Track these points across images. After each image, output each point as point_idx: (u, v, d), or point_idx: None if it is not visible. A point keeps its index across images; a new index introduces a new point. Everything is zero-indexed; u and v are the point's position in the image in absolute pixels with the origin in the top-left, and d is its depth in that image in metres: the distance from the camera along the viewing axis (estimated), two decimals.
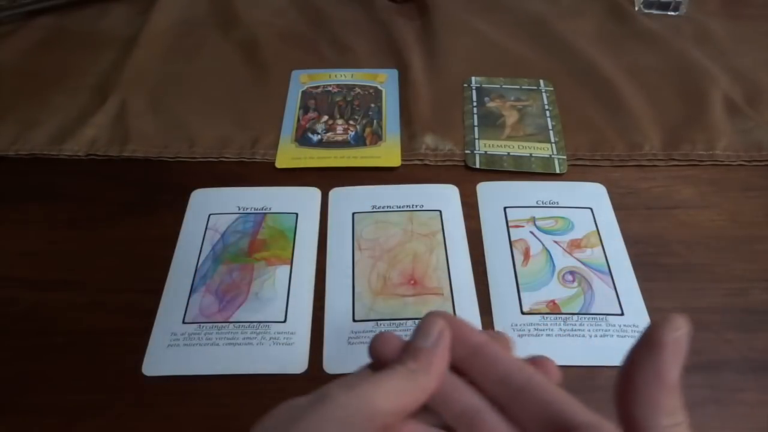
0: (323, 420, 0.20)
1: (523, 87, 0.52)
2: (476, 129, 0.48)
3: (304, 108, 0.51)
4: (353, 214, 0.42)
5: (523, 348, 0.35)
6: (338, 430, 0.20)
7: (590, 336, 0.36)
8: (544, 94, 0.51)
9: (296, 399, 0.22)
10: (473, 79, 0.53)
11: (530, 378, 0.22)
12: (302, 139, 0.48)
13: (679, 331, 0.20)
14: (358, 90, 0.52)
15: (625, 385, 0.21)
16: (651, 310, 0.37)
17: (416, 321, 0.36)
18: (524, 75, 0.53)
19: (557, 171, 0.45)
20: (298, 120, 0.49)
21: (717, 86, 0.51)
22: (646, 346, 0.20)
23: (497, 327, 0.36)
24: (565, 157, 0.46)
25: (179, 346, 0.35)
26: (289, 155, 0.46)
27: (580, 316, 0.37)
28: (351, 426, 0.20)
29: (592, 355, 0.35)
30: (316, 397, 0.21)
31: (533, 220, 0.42)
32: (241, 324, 0.36)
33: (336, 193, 0.44)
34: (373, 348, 0.24)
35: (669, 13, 0.60)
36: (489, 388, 0.23)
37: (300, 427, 0.20)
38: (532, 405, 0.21)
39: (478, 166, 0.45)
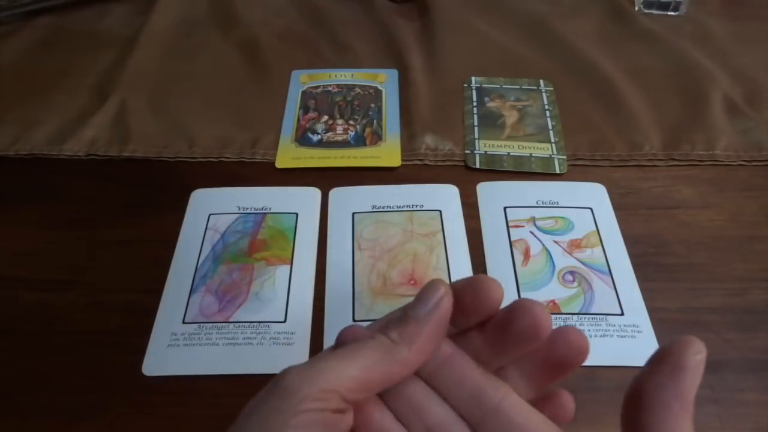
0: (269, 418, 0.19)
1: (523, 87, 0.52)
2: (476, 129, 0.48)
3: (304, 108, 0.51)
4: (353, 214, 0.42)
5: None
6: (286, 420, 0.19)
7: (590, 336, 0.36)
8: (544, 94, 0.51)
9: (258, 394, 0.21)
10: (473, 79, 0.53)
11: (503, 399, 0.21)
12: (302, 139, 0.48)
13: (700, 355, 0.20)
14: (358, 90, 0.52)
15: (641, 406, 0.20)
16: (651, 310, 0.37)
17: None
18: (524, 75, 0.53)
19: (557, 171, 0.45)
20: (298, 120, 0.49)
21: (717, 86, 0.51)
22: (669, 368, 0.20)
23: None
24: (565, 157, 0.46)
25: (179, 346, 0.35)
26: (289, 155, 0.46)
27: (580, 316, 0.37)
28: (302, 414, 0.19)
29: (592, 355, 0.34)
30: (267, 389, 0.20)
31: (533, 220, 0.42)
32: (241, 324, 0.36)
33: (336, 193, 0.44)
34: (341, 337, 0.23)
35: (669, 13, 0.60)
36: (459, 404, 0.21)
37: (250, 424, 0.20)
38: (504, 430, 0.20)
39: (478, 166, 0.45)
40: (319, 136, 0.48)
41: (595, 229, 0.41)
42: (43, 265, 0.40)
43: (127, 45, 0.56)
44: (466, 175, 0.45)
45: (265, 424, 0.19)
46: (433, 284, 0.22)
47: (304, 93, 0.52)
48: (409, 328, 0.21)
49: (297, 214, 0.42)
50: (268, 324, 0.36)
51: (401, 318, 0.21)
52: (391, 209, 0.43)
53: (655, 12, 0.60)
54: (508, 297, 0.38)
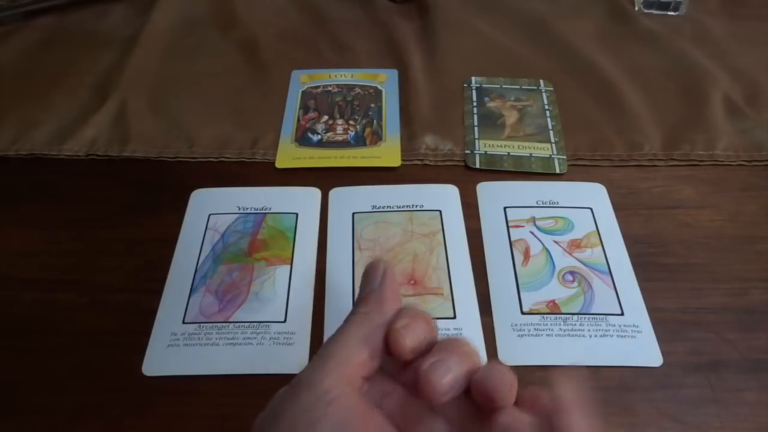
0: (304, 409, 0.21)
1: (523, 87, 0.52)
2: (476, 129, 0.48)
3: (304, 108, 0.51)
4: (353, 214, 0.42)
5: (523, 348, 0.35)
6: (323, 409, 0.21)
7: (590, 336, 0.36)
8: (544, 94, 0.51)
9: (279, 392, 0.23)
10: (473, 79, 0.53)
11: None
12: (302, 139, 0.48)
13: (571, 389, 0.21)
14: (358, 90, 0.52)
15: None
16: (651, 310, 0.37)
17: None
18: (524, 75, 0.53)
19: (557, 171, 0.45)
20: (298, 120, 0.49)
21: (717, 86, 0.51)
22: (558, 414, 0.20)
23: (497, 327, 0.36)
24: (565, 157, 0.46)
25: (179, 346, 0.35)
26: (289, 155, 0.46)
27: (580, 316, 0.37)
28: (336, 400, 0.21)
29: (592, 355, 0.35)
30: (289, 392, 0.22)
31: (533, 220, 0.42)
32: (241, 324, 0.36)
33: (336, 193, 0.44)
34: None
35: (669, 13, 0.60)
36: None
37: (284, 420, 0.21)
38: None
39: (478, 166, 0.45)
40: (319, 136, 0.48)
41: (595, 229, 0.41)
42: (43, 265, 0.40)
43: (127, 45, 0.56)
44: (466, 175, 0.45)
45: (300, 422, 0.21)
46: (373, 263, 0.26)
47: (304, 93, 0.52)
48: (372, 299, 0.24)
49: (297, 214, 0.42)
50: (268, 324, 0.36)
51: (363, 297, 0.25)
52: (391, 209, 0.43)
53: (655, 12, 0.60)
54: (508, 297, 0.38)
